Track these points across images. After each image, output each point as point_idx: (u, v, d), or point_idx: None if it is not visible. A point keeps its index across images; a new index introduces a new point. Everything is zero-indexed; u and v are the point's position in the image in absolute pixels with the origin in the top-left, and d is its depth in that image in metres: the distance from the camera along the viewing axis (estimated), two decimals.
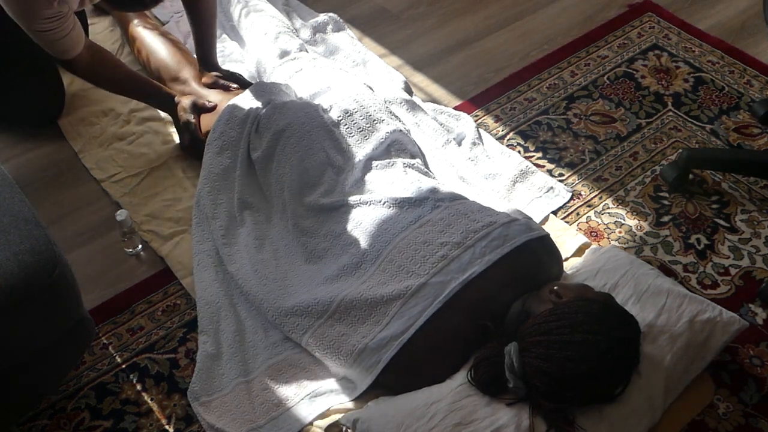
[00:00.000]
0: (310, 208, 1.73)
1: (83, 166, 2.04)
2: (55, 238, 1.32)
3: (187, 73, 2.07)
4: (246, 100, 1.92)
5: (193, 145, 1.98)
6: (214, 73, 2.07)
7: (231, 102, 1.92)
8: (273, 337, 1.65)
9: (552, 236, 1.66)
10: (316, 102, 1.93)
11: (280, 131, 1.81)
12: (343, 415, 1.48)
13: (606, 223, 1.88)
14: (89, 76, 1.92)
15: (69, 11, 1.70)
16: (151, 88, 2.01)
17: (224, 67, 2.22)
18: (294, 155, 1.78)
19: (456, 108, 2.18)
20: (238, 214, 1.82)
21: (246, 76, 2.18)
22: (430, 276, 1.51)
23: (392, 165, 1.79)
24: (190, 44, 2.31)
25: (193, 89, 2.05)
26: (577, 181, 1.98)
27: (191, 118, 1.97)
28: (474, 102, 2.21)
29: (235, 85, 2.05)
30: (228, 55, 2.28)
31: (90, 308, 1.71)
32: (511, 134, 2.11)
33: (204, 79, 2.07)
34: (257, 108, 1.89)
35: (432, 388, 1.44)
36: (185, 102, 1.99)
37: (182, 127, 1.99)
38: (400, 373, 1.48)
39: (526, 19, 2.49)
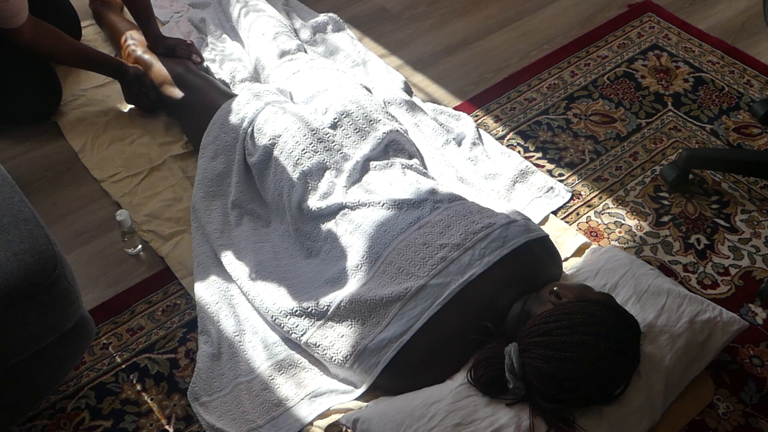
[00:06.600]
0: (309, 211, 1.73)
1: (83, 166, 2.04)
2: (55, 238, 1.32)
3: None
4: (240, 104, 1.91)
5: (151, 109, 2.15)
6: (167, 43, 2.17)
7: (225, 105, 1.92)
8: (273, 337, 1.65)
9: (552, 236, 1.66)
10: (312, 104, 1.93)
11: (277, 136, 1.81)
12: (343, 415, 1.48)
13: (606, 223, 1.88)
14: (34, 47, 1.95)
15: None
16: (97, 57, 2.08)
17: (224, 66, 2.23)
18: (291, 160, 1.78)
19: (456, 108, 2.18)
20: (234, 217, 1.82)
21: (245, 75, 2.18)
22: (430, 278, 1.51)
23: (391, 166, 1.79)
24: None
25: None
26: (577, 181, 1.98)
27: (141, 88, 2.10)
28: (474, 102, 2.21)
29: (196, 56, 2.16)
30: (228, 55, 2.28)
31: (90, 308, 1.71)
32: (511, 134, 2.11)
33: (158, 51, 2.16)
34: (252, 112, 1.88)
35: (432, 389, 1.44)
36: (133, 71, 2.09)
37: (136, 96, 2.12)
38: (400, 375, 1.48)
39: (526, 19, 2.50)
